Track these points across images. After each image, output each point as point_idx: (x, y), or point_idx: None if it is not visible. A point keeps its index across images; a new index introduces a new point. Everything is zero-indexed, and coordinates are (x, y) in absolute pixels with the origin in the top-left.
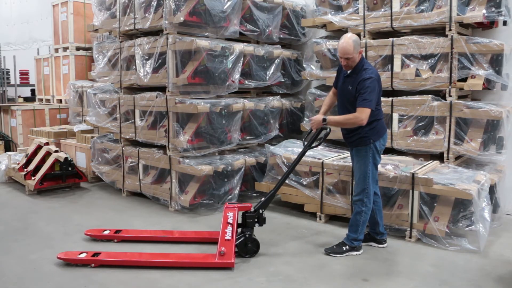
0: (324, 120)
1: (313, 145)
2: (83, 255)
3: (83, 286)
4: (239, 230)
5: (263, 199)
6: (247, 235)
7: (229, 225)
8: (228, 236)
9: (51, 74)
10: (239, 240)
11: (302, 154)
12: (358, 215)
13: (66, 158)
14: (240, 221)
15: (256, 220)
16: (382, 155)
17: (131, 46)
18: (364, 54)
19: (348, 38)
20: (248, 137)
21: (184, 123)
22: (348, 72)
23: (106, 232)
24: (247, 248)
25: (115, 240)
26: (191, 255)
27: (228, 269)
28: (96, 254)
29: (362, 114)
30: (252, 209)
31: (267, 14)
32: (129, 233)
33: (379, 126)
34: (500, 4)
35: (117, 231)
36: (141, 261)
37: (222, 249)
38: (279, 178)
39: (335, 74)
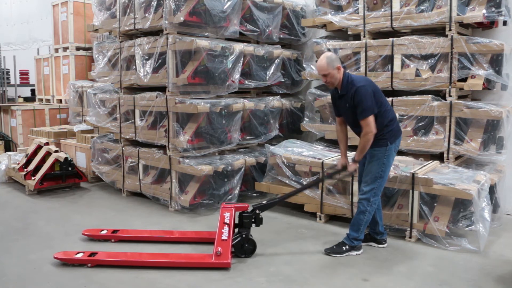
0: (355, 161)
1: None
2: (79, 255)
3: (83, 286)
4: (236, 230)
5: (264, 202)
6: (243, 235)
7: (226, 225)
8: (224, 236)
9: (51, 74)
10: (236, 241)
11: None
12: (361, 214)
13: (66, 158)
14: (237, 221)
15: (253, 220)
16: None
17: (131, 46)
18: (364, 54)
19: (323, 56)
20: (248, 137)
21: (184, 123)
22: (339, 92)
23: (103, 232)
24: (244, 248)
25: (112, 240)
26: (188, 255)
27: (228, 269)
28: (93, 254)
29: (367, 126)
30: (250, 208)
31: (267, 14)
32: (127, 233)
33: (395, 128)
34: (500, 4)
35: (114, 231)
36: (137, 261)
37: (219, 249)
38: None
39: None
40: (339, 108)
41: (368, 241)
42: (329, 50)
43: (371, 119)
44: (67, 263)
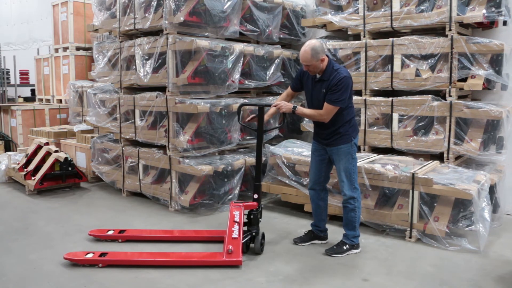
0: (294, 107)
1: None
2: (90, 256)
3: (83, 286)
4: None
5: (255, 195)
6: (253, 233)
7: (236, 224)
8: (235, 234)
9: (51, 74)
10: (256, 237)
11: (261, 138)
12: (352, 212)
13: (66, 158)
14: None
15: (259, 215)
16: (382, 155)
17: (131, 46)
18: (364, 54)
19: (307, 46)
20: (248, 137)
21: (184, 123)
22: (318, 76)
23: (110, 232)
24: (262, 244)
25: (119, 240)
26: (198, 253)
27: (228, 269)
28: (103, 254)
29: (328, 112)
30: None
31: (267, 14)
32: (134, 233)
33: (356, 124)
34: (500, 4)
35: (121, 231)
36: (148, 261)
37: (230, 247)
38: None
39: None
40: (310, 91)
41: (312, 240)
42: (329, 50)
43: (335, 110)
44: (77, 263)
